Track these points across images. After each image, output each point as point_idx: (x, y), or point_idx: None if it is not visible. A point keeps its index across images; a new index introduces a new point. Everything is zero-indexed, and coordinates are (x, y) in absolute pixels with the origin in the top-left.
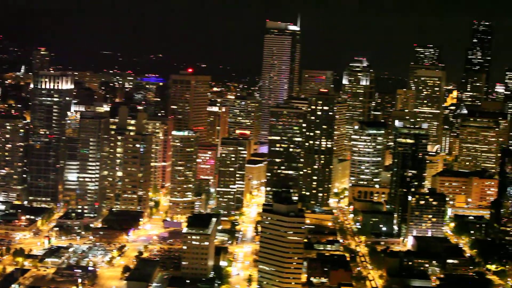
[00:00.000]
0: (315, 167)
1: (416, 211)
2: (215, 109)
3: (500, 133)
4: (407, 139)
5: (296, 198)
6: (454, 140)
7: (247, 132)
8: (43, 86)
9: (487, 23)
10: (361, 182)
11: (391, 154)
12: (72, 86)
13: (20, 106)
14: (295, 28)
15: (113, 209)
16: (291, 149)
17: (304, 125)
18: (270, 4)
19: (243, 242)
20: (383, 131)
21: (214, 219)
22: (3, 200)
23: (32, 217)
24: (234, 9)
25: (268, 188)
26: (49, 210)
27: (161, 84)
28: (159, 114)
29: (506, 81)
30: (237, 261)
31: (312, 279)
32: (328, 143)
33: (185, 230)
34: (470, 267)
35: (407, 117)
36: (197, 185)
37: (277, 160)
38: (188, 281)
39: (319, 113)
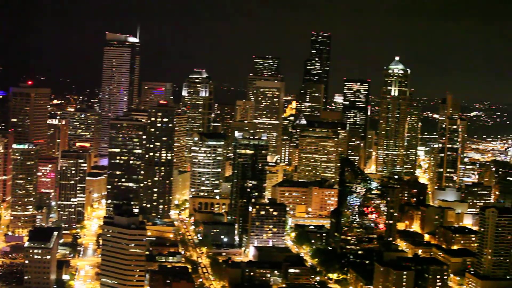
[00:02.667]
0: (156, 179)
1: (257, 221)
2: (55, 121)
3: (339, 143)
4: (246, 150)
5: (137, 210)
6: (293, 151)
7: (87, 144)
8: None
9: (326, 34)
10: (202, 194)
11: (231, 165)
12: None
13: None
14: (135, 40)
15: None
16: (131, 161)
17: (144, 137)
18: (110, 16)
19: (85, 255)
20: (222, 142)
21: (55, 233)
22: None
23: None
24: (73, 21)
25: (109, 201)
26: None
27: (0, 96)
28: None
29: (344, 91)
30: (79, 274)
31: None
32: (168, 155)
33: (26, 244)
34: (312, 276)
35: (247, 128)
36: (38, 199)
37: (118, 172)
38: None
39: (158, 125)
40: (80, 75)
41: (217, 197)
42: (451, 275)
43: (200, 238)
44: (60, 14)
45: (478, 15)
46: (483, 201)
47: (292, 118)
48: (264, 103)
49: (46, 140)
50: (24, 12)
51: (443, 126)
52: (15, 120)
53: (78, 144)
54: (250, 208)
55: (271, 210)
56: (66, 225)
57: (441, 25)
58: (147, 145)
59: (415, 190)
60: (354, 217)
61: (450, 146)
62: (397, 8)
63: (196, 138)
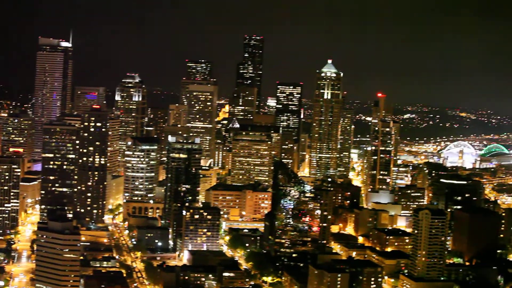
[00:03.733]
0: (89, 183)
1: (191, 225)
2: None
3: (272, 146)
4: (180, 154)
5: (70, 215)
6: (227, 154)
7: (21, 150)
8: None
9: (258, 38)
10: (135, 198)
11: (164, 169)
12: None
13: None
14: (68, 44)
15: None
16: (64, 166)
17: (77, 142)
18: (42, 21)
19: (20, 261)
20: (156, 147)
21: None
22: None
23: None
24: (4, 25)
25: (43, 206)
26: None
27: None
28: None
29: (277, 94)
30: (14, 280)
31: None
32: (101, 159)
33: None
34: (247, 280)
35: (180, 132)
36: None
37: (51, 177)
38: None
39: (92, 129)
40: (13, 80)
41: (151, 201)
42: (385, 277)
43: (134, 242)
44: None
45: (409, 18)
46: (417, 203)
47: (225, 121)
48: (197, 107)
49: None
50: None
51: (376, 128)
52: None
53: (11, 149)
54: (184, 212)
55: (205, 214)
56: (0, 231)
57: (373, 28)
58: (81, 150)
59: (349, 193)
60: (288, 220)
61: (383, 148)
62: (329, 10)
63: (129, 143)
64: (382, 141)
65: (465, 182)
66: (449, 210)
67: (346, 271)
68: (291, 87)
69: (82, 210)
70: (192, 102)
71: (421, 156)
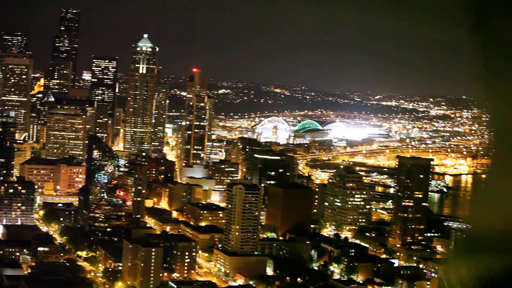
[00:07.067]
0: None
1: (5, 199)
2: None
3: (87, 120)
4: None
5: None
6: (41, 128)
7: None
8: None
9: (75, 11)
10: None
11: None
12: None
13: None
14: None
15: None
16: None
17: None
18: None
19: None
20: None
21: None
22: None
23: None
24: None
25: None
26: None
27: None
28: None
29: (93, 68)
30: None
31: None
32: None
33: None
34: (61, 254)
35: None
36: None
37: None
38: None
39: None
40: None
41: None
42: (200, 252)
43: None
44: None
45: None
46: (230, 178)
47: (40, 95)
48: (13, 80)
49: None
50: None
51: (191, 103)
52: None
53: None
54: None
55: (19, 188)
56: None
57: (189, 2)
58: None
59: (163, 168)
60: (102, 195)
61: (197, 123)
62: None
63: None
64: (197, 116)
65: (278, 158)
66: (262, 185)
67: (160, 245)
68: (107, 61)
69: None
70: (7, 75)
71: (235, 132)
